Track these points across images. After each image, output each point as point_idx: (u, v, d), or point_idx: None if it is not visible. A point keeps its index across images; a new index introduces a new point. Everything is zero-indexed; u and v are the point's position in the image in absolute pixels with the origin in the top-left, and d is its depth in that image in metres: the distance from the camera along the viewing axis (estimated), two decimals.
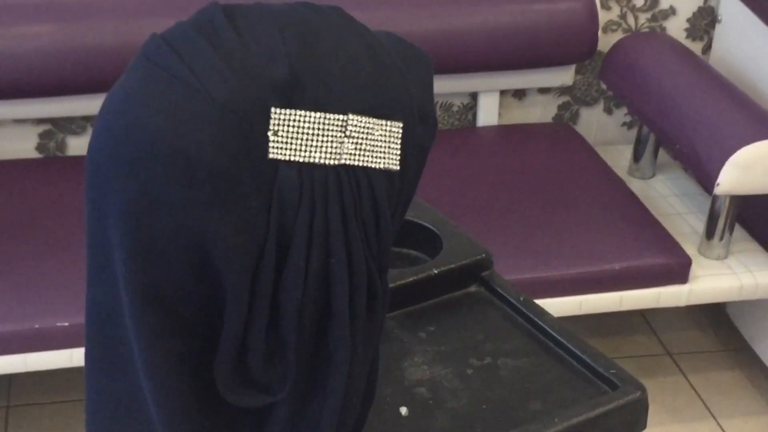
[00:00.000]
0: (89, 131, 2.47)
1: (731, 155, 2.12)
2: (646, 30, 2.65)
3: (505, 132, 2.62)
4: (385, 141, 0.88)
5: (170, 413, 0.88)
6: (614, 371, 1.12)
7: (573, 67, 2.61)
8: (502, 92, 2.64)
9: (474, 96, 2.62)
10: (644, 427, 1.11)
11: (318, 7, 0.91)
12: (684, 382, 2.57)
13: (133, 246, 0.84)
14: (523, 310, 1.21)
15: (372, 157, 0.88)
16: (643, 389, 1.10)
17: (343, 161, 0.87)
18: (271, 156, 0.84)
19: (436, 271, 1.23)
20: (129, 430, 0.93)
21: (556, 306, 2.20)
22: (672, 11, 2.65)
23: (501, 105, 2.64)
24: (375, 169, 0.88)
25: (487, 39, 2.47)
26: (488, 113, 2.62)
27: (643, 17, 2.64)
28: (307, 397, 0.92)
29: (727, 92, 2.31)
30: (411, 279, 1.22)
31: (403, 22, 2.43)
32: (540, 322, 1.19)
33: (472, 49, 2.47)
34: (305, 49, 0.86)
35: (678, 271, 2.23)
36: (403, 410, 1.08)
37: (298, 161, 0.85)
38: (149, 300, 0.85)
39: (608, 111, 2.74)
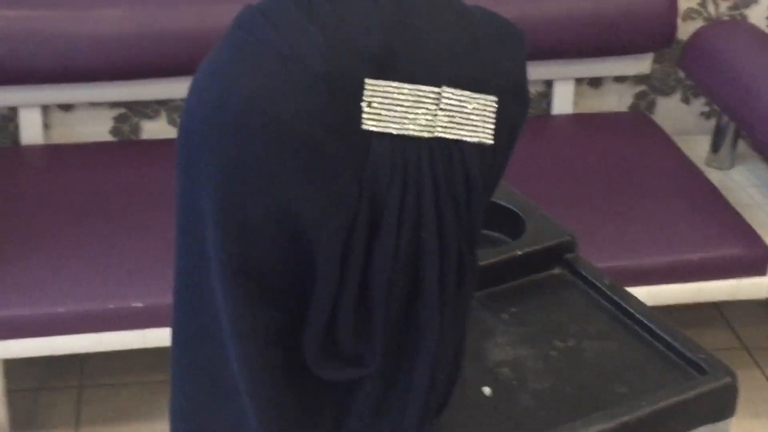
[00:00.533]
0: (163, 116, 2.49)
1: None
2: (727, 18, 2.60)
3: (581, 120, 2.60)
4: (479, 115, 0.87)
5: (257, 384, 0.88)
6: (703, 356, 1.10)
7: (650, 56, 2.57)
8: (578, 80, 2.61)
9: (549, 84, 2.60)
10: (732, 413, 1.09)
11: None
12: (761, 376, 2.52)
13: (226, 216, 0.84)
14: (609, 293, 1.19)
15: (466, 130, 0.87)
16: (732, 375, 1.08)
17: (436, 134, 0.86)
18: (364, 127, 0.83)
19: (520, 252, 1.22)
20: (214, 400, 0.93)
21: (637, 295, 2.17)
22: None
23: (576, 93, 2.62)
24: (468, 143, 0.87)
25: (562, 26, 2.45)
26: (563, 101, 2.59)
27: (724, 5, 2.60)
28: (394, 372, 0.91)
29: None
30: (495, 259, 1.21)
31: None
32: (626, 306, 1.17)
33: (547, 36, 2.45)
34: (400, 20, 0.85)
35: (757, 262, 2.19)
36: (486, 390, 1.07)
37: (391, 134, 0.84)
38: (240, 271, 0.85)
39: (686, 100, 2.70)
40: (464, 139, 0.87)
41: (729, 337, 2.63)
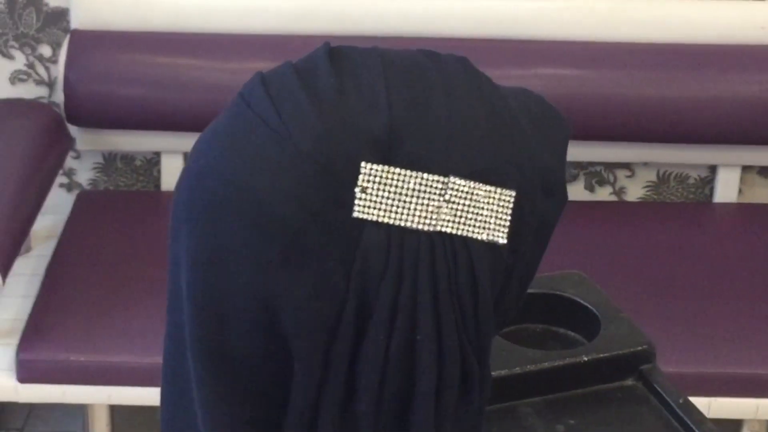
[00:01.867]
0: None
1: None
2: None
3: (744, 211, 2.42)
4: (491, 210, 0.78)
5: None
6: None
7: None
8: (746, 168, 2.44)
9: (713, 169, 2.44)
10: None
11: (440, 56, 0.82)
12: None
13: (199, 299, 0.78)
14: (681, 413, 1.07)
15: (474, 226, 0.78)
16: None
17: (439, 228, 0.77)
18: (356, 215, 0.76)
19: (586, 359, 1.11)
20: None
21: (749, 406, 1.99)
22: None
23: (743, 181, 2.45)
24: (477, 240, 0.78)
25: (730, 108, 2.30)
26: (727, 189, 2.42)
27: None
28: None
29: None
30: (557, 363, 1.10)
31: (638, 85, 2.29)
32: (697, 431, 1.05)
33: (713, 118, 2.30)
34: (412, 101, 0.78)
35: None
36: None
37: (387, 223, 0.76)
38: (214, 359, 0.78)
39: None
40: (472, 235, 0.78)
41: None
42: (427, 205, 0.77)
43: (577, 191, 2.46)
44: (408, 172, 0.76)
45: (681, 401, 1.08)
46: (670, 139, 2.33)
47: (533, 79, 2.30)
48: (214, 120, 0.82)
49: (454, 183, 0.77)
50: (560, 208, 0.85)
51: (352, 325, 0.77)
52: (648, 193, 2.47)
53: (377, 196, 0.76)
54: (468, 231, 0.78)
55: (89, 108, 2.31)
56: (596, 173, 2.45)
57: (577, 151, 2.37)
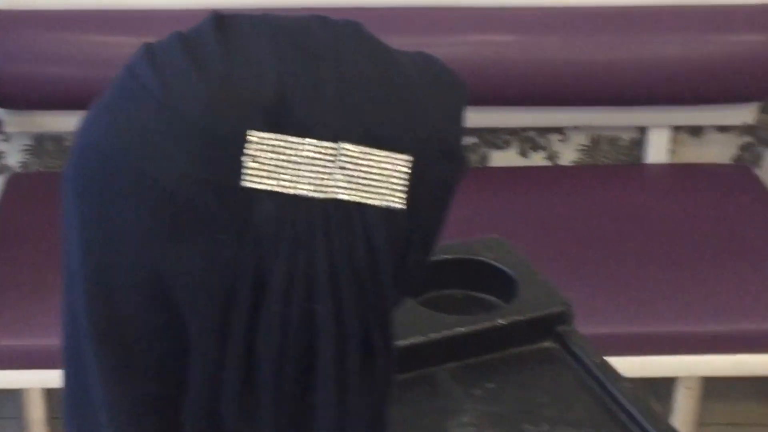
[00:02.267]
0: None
1: None
2: None
3: (675, 171, 2.44)
4: (386, 175, 0.77)
5: None
6: None
7: (756, 105, 2.40)
8: (676, 128, 2.46)
9: (643, 131, 2.45)
10: None
11: (331, 22, 0.81)
12: None
13: (90, 276, 0.76)
14: (598, 373, 1.07)
15: (368, 192, 0.77)
16: None
17: (333, 195, 0.76)
18: (246, 184, 0.75)
19: (502, 322, 1.11)
20: None
21: (710, 363, 2.02)
22: None
23: (674, 141, 2.46)
24: (372, 206, 0.77)
25: (660, 70, 2.31)
26: (658, 150, 2.44)
27: None
28: None
29: None
30: (473, 328, 1.10)
31: (568, 49, 2.29)
32: (613, 390, 1.05)
33: (642, 80, 2.31)
34: (301, 67, 0.76)
35: None
36: None
37: (280, 192, 0.75)
38: (108, 338, 0.77)
39: None
40: (367, 202, 0.77)
41: None
42: (320, 172, 0.75)
43: (510, 157, 2.46)
44: (298, 139, 0.75)
45: (597, 361, 1.09)
46: (600, 102, 2.34)
47: (463, 46, 2.30)
48: (101, 96, 0.80)
49: (346, 148, 0.76)
50: (460, 172, 0.84)
51: (248, 297, 0.76)
52: (581, 157, 2.48)
53: (268, 164, 0.74)
54: (363, 197, 0.77)
55: (16, 89, 2.28)
56: (529, 138, 2.46)
57: (510, 117, 2.38)
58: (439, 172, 0.82)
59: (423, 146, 0.79)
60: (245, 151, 0.74)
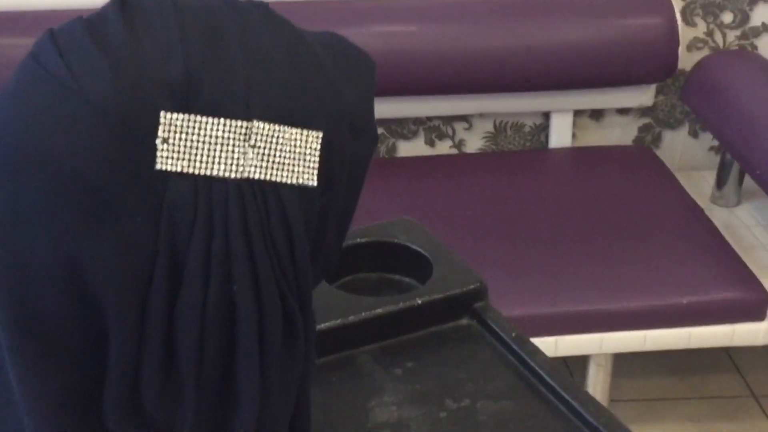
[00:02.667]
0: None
1: None
2: (735, 48, 2.47)
3: (579, 154, 2.48)
4: (299, 152, 0.78)
5: None
6: (604, 419, 0.99)
7: (653, 87, 2.45)
8: (578, 112, 2.50)
9: (547, 116, 2.49)
10: None
11: (238, 3, 0.81)
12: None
13: (2, 266, 0.75)
14: (514, 347, 1.09)
15: (282, 170, 0.77)
16: None
17: (246, 175, 0.76)
18: (158, 167, 0.74)
19: (420, 302, 1.12)
20: None
21: (619, 340, 2.05)
22: (765, 28, 2.47)
23: (576, 126, 2.50)
24: (286, 184, 0.77)
25: (560, 55, 2.34)
26: (561, 134, 2.48)
27: (732, 35, 2.47)
28: None
29: None
30: (391, 309, 1.10)
31: (472, 38, 2.31)
32: (531, 362, 1.06)
33: (544, 66, 2.34)
34: (208, 47, 0.76)
35: (755, 307, 2.05)
36: None
37: (193, 174, 0.75)
38: (22, 328, 0.75)
39: (694, 134, 2.57)
40: (281, 180, 0.77)
41: (738, 385, 2.48)
42: (232, 151, 0.75)
43: (417, 146, 2.48)
44: (209, 119, 0.75)
45: (514, 335, 1.10)
46: (504, 89, 2.37)
47: (366, 37, 2.30)
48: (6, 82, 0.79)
49: (257, 127, 0.76)
50: (371, 148, 0.85)
51: (166, 281, 0.75)
52: (486, 144, 2.50)
53: (179, 146, 0.74)
54: (276, 175, 0.77)
55: None
56: (435, 128, 2.48)
57: (416, 107, 2.39)
58: (351, 148, 0.82)
59: (334, 123, 0.80)
60: (157, 133, 0.73)
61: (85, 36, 0.74)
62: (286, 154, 0.77)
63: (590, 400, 1.01)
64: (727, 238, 2.20)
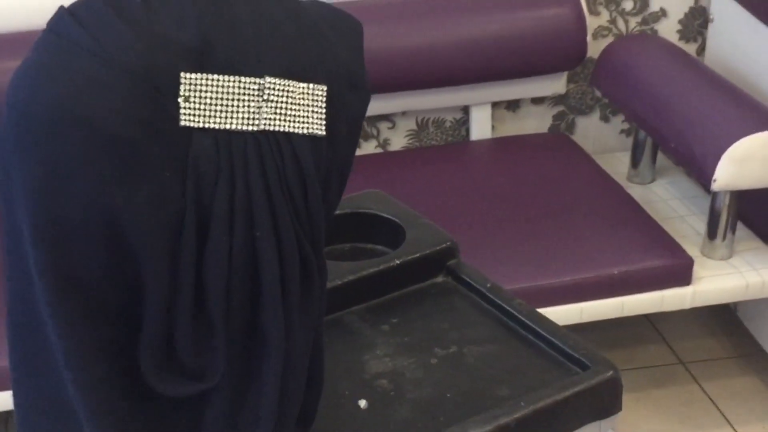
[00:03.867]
0: None
1: (726, 149, 2.06)
2: (637, 33, 2.60)
3: (499, 144, 2.57)
4: (307, 105, 0.84)
5: (94, 407, 0.83)
6: (584, 352, 1.07)
7: (565, 75, 2.56)
8: (495, 105, 2.59)
9: (466, 110, 2.58)
10: (618, 409, 1.06)
11: None
12: (699, 390, 2.49)
13: (42, 226, 0.79)
14: (491, 296, 1.16)
15: (294, 121, 0.83)
16: (614, 369, 1.05)
17: (262, 127, 0.82)
18: (183, 123, 0.80)
19: (398, 262, 1.18)
20: (59, 429, 0.87)
21: (557, 314, 2.13)
22: (663, 13, 2.61)
23: (494, 118, 2.60)
24: (298, 134, 0.84)
25: (474, 50, 2.43)
26: (481, 126, 2.57)
27: (634, 21, 2.60)
28: (244, 383, 0.87)
29: (721, 88, 2.25)
30: (371, 270, 1.17)
31: (388, 37, 2.39)
32: (508, 308, 1.14)
33: (460, 61, 2.43)
34: (217, 12, 0.82)
35: (680, 272, 2.16)
36: (362, 403, 1.03)
37: (214, 128, 0.81)
38: (62, 284, 0.80)
39: (605, 119, 2.69)
40: (293, 130, 0.83)
41: (665, 353, 2.59)
42: (248, 106, 0.81)
43: None
44: (225, 77, 0.81)
45: (489, 285, 1.17)
46: (424, 86, 2.45)
47: None
48: (26, 57, 0.83)
49: (270, 82, 0.82)
50: (365, 101, 0.92)
51: (194, 231, 0.81)
52: (410, 142, 2.58)
53: (200, 103, 0.80)
54: (289, 126, 0.83)
55: None
56: None
57: None
58: (350, 102, 0.89)
59: (335, 78, 0.86)
60: (179, 92, 0.79)
61: (105, 8, 0.80)
62: (297, 107, 0.83)
63: (568, 336, 1.09)
64: (648, 211, 2.31)
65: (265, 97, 0.82)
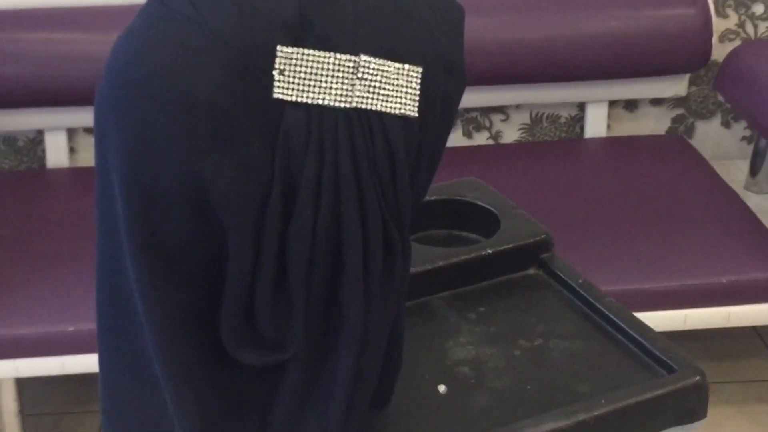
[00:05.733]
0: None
1: None
2: (767, 38, 2.53)
3: (614, 144, 2.53)
4: (401, 85, 0.84)
5: (174, 370, 0.85)
6: (672, 355, 1.05)
7: (686, 78, 2.51)
8: (612, 103, 2.55)
9: (582, 107, 2.55)
10: (704, 416, 1.03)
11: None
12: None
13: (132, 189, 0.81)
14: (582, 292, 1.14)
15: (387, 101, 0.84)
16: (702, 374, 1.02)
17: (354, 105, 0.82)
18: (275, 96, 0.80)
19: (490, 251, 1.17)
20: (137, 392, 0.90)
21: (660, 319, 2.09)
22: None
23: (611, 117, 2.56)
24: (390, 114, 0.84)
25: (594, 46, 2.40)
26: (596, 125, 2.53)
27: (763, 26, 2.52)
28: (320, 358, 0.87)
29: None
30: (462, 258, 1.16)
31: (507, 29, 2.37)
32: (598, 305, 1.12)
33: (578, 57, 2.40)
34: None
35: None
36: (442, 388, 1.03)
37: (306, 103, 0.81)
38: (150, 247, 0.82)
39: (726, 124, 2.62)
40: (385, 110, 0.83)
41: None
42: (342, 83, 0.82)
43: (455, 138, 2.54)
44: (321, 53, 0.81)
45: (581, 281, 1.16)
46: (540, 80, 2.43)
47: None
48: (128, 26, 0.85)
49: (365, 61, 0.82)
50: (461, 87, 0.91)
51: (280, 203, 0.82)
52: (523, 135, 2.56)
53: (294, 77, 0.80)
54: (382, 106, 0.83)
55: None
56: (473, 119, 2.54)
57: None
58: (445, 85, 0.88)
59: (431, 60, 0.86)
60: (274, 65, 0.80)
61: None
62: (391, 87, 0.83)
63: (658, 337, 1.07)
64: (763, 221, 2.25)
65: (360, 74, 0.82)
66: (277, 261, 0.83)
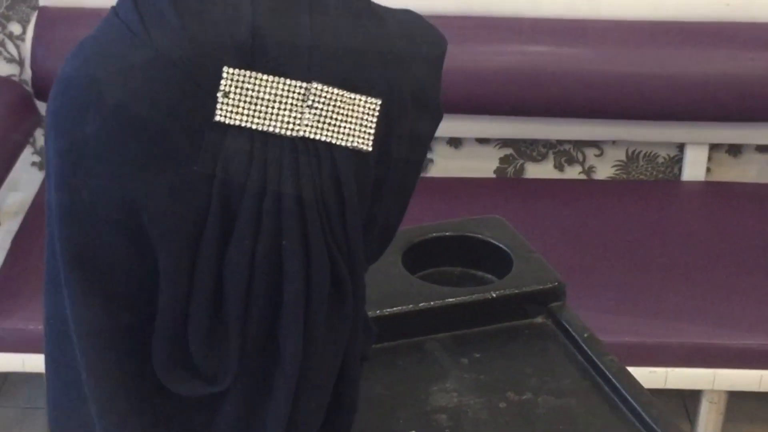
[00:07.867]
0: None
1: None
2: None
3: (712, 188, 2.42)
4: (356, 117, 0.80)
5: (103, 396, 0.82)
6: (664, 424, 0.97)
7: None
8: (714, 147, 2.44)
9: (681, 148, 2.44)
10: None
11: None
12: None
13: (64, 202, 0.79)
14: (584, 347, 1.08)
15: (337, 132, 0.79)
16: None
17: (302, 133, 0.79)
18: (217, 119, 0.77)
19: (494, 295, 1.12)
20: (80, 407, 0.87)
21: (734, 377, 1.99)
22: None
23: (711, 160, 2.45)
24: (340, 146, 0.80)
25: (699, 86, 2.29)
26: (695, 167, 2.42)
27: None
28: (256, 394, 0.84)
29: None
30: (462, 299, 1.11)
31: (604, 61, 2.29)
32: (598, 362, 1.05)
33: (681, 95, 2.30)
34: (275, 10, 0.79)
35: None
36: None
37: (250, 128, 0.78)
38: (80, 264, 0.80)
39: None
40: (335, 141, 0.79)
41: None
42: (290, 110, 0.78)
43: (546, 170, 2.46)
44: (270, 77, 0.78)
45: (586, 335, 1.09)
46: (638, 117, 2.33)
47: (501, 56, 2.31)
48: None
49: (316, 88, 0.78)
50: (434, 124, 0.86)
51: (217, 231, 0.79)
52: (617, 172, 2.47)
53: (239, 100, 0.77)
54: (331, 137, 0.79)
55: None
56: (565, 152, 2.46)
57: (547, 129, 2.38)
58: (413, 121, 0.84)
59: (396, 93, 0.82)
60: (219, 86, 0.77)
61: None
62: (342, 118, 0.79)
63: (653, 405, 0.99)
64: None
65: (309, 102, 0.78)
66: (213, 291, 0.80)
